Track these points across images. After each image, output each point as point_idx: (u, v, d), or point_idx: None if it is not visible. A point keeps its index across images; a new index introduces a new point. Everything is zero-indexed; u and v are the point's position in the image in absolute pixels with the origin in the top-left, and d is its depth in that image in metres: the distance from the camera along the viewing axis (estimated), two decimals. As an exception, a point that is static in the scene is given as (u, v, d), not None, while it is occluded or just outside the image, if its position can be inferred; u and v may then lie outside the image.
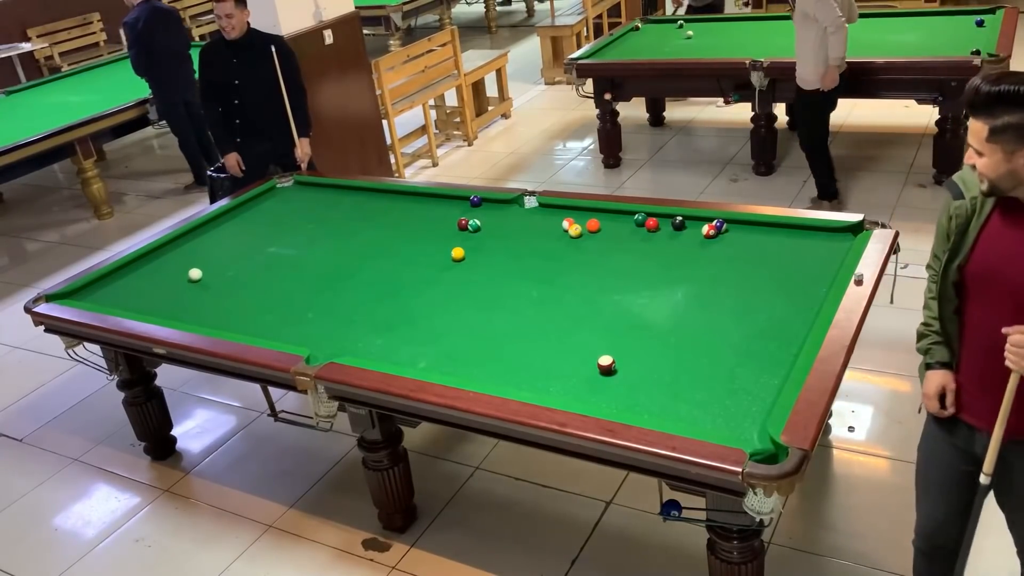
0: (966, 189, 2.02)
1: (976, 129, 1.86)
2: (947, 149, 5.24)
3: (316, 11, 5.58)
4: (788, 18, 6.54)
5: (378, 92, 6.25)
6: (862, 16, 6.35)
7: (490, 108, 7.63)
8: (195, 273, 3.57)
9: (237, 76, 4.72)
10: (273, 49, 4.63)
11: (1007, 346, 1.87)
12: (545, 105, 7.84)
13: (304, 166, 4.80)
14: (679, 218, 3.45)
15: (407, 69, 6.66)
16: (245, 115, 4.80)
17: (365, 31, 6.56)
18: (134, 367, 3.58)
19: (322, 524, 3.29)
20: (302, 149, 4.79)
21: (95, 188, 6.43)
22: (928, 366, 2.19)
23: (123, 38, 6.51)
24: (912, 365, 3.75)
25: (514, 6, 12.69)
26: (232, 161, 4.83)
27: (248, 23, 4.71)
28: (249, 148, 4.87)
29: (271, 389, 3.21)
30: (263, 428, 3.87)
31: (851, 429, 3.42)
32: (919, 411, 2.30)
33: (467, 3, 12.93)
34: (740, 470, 2.08)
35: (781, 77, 5.42)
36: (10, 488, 3.73)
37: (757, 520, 2.20)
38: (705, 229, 3.36)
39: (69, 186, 7.30)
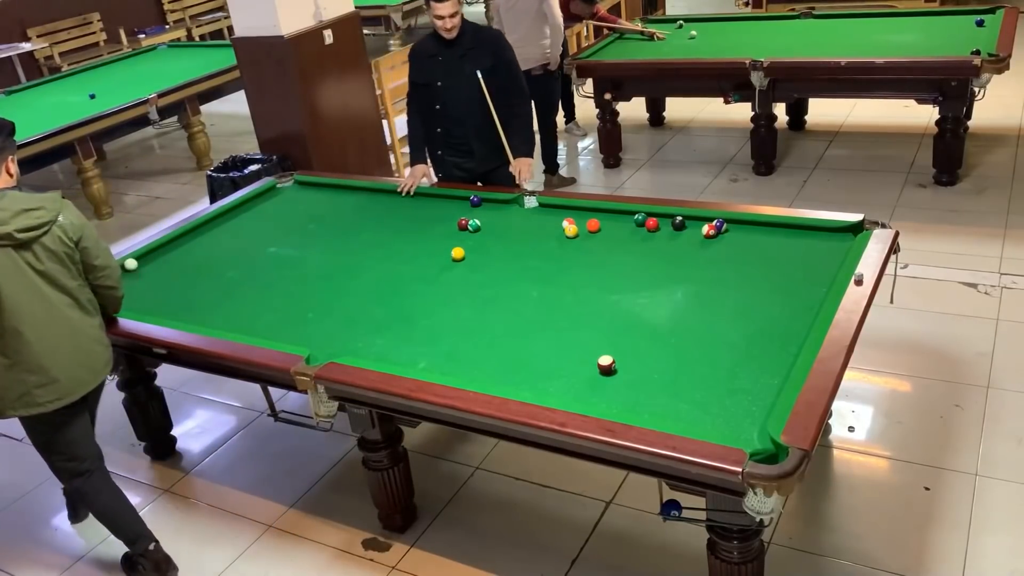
0: None
1: None
2: (947, 149, 5.24)
3: (316, 11, 5.57)
4: (788, 18, 6.58)
5: (378, 92, 6.24)
6: (863, 16, 6.39)
7: (490, 108, 7.61)
8: (131, 264, 3.72)
9: (440, 77, 4.03)
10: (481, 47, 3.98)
11: None
12: (545, 105, 7.81)
13: (524, 185, 3.95)
14: (679, 218, 3.45)
15: (408, 69, 6.63)
16: (448, 124, 4.09)
17: (365, 31, 6.55)
18: (134, 367, 3.58)
19: (322, 524, 3.29)
20: (521, 168, 3.99)
21: (95, 188, 6.42)
22: None
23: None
24: (912, 365, 3.77)
25: None
26: (418, 173, 4.10)
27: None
28: (454, 165, 4.18)
29: (271, 389, 3.21)
30: (263, 428, 3.87)
31: (851, 429, 3.42)
32: None
33: (467, 3, 12.93)
34: (740, 470, 2.08)
35: (781, 77, 5.43)
36: (10, 488, 3.73)
37: (757, 520, 2.20)
38: (705, 229, 3.36)
39: (69, 186, 7.29)
